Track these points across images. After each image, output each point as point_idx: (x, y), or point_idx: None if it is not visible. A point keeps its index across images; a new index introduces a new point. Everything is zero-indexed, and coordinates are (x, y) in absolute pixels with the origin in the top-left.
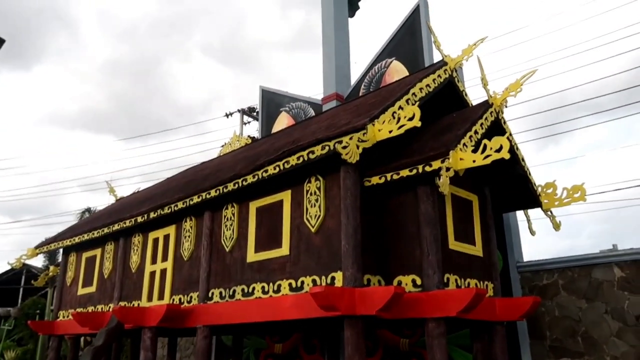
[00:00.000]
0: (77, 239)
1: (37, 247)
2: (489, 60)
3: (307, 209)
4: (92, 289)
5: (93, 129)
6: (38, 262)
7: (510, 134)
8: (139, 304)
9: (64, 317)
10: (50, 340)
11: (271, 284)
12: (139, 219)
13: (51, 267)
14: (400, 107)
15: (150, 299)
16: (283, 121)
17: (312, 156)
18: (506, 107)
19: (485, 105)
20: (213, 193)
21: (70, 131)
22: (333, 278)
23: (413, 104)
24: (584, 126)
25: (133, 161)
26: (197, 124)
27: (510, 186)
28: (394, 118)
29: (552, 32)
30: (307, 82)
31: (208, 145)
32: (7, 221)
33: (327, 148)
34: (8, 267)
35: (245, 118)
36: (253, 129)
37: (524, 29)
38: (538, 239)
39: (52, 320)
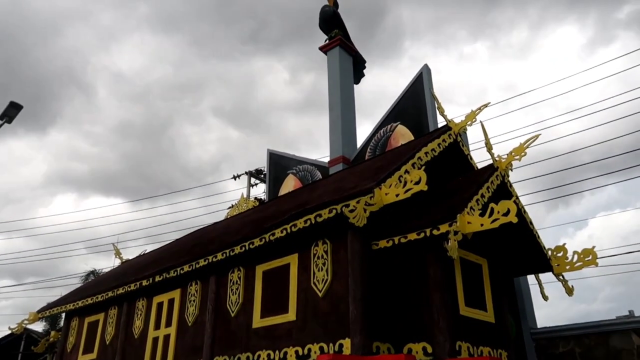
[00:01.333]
0: (80, 303)
1: (39, 312)
2: (494, 123)
3: (314, 273)
4: (92, 355)
5: (102, 190)
6: (39, 326)
7: (517, 197)
8: None
9: None
10: None
11: (277, 352)
12: (144, 283)
13: (52, 333)
14: (407, 171)
15: None
16: (290, 183)
17: (319, 219)
18: (511, 170)
19: (491, 169)
20: (219, 256)
21: (79, 193)
22: (341, 345)
23: (419, 168)
24: (594, 187)
25: (141, 223)
26: (205, 186)
27: (519, 250)
28: (400, 182)
29: (560, 94)
30: (316, 143)
31: (216, 207)
32: (10, 284)
33: (334, 211)
34: (8, 332)
35: (253, 180)
36: (260, 190)
37: (531, 92)
38: (551, 304)
39: None
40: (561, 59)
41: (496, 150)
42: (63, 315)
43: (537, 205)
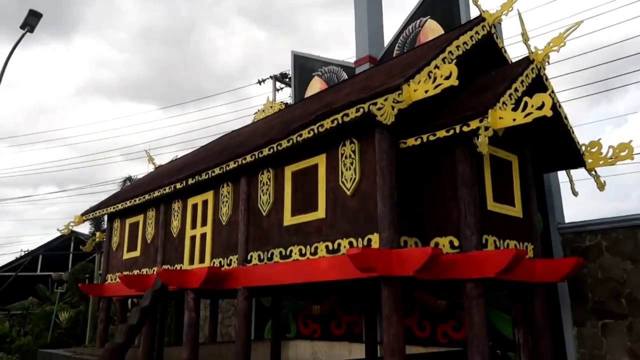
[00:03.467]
0: (120, 206)
1: (83, 215)
2: (532, 15)
3: (342, 173)
4: (136, 253)
5: (133, 97)
6: (85, 229)
7: (553, 91)
8: (181, 267)
9: (111, 280)
10: (100, 302)
11: (308, 247)
12: (178, 186)
13: (97, 234)
14: (437, 66)
15: (191, 262)
16: (316, 86)
17: (346, 119)
18: (548, 63)
19: (526, 62)
20: (249, 158)
21: (110, 100)
22: (370, 240)
23: (450, 63)
24: (638, 81)
25: (172, 130)
26: (233, 91)
27: (551, 146)
28: (430, 77)
29: None
30: (346, 42)
31: (244, 112)
32: (54, 190)
33: (361, 110)
34: (58, 234)
35: (279, 85)
36: (286, 95)
37: None
38: (583, 202)
39: (101, 284)
40: None
41: (534, 43)
42: (105, 217)
43: (577, 102)
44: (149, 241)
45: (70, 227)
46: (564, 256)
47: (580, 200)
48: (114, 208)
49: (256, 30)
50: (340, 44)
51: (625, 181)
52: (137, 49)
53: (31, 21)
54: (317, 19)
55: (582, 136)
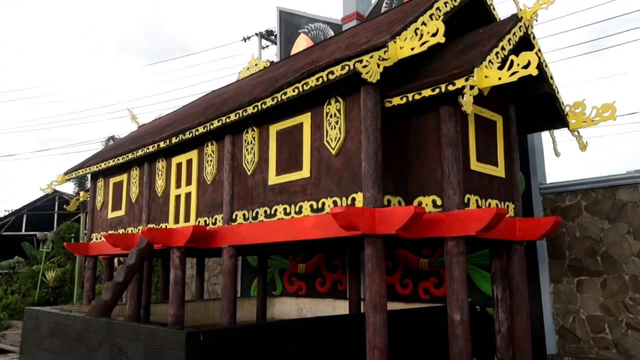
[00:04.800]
0: (103, 165)
1: (65, 173)
2: None
3: (327, 131)
4: (121, 212)
5: (116, 51)
6: (69, 188)
7: (539, 50)
8: (166, 226)
9: (97, 239)
10: (86, 260)
11: (293, 206)
12: (162, 145)
13: (81, 193)
14: (424, 23)
15: (177, 221)
16: (302, 43)
17: (331, 77)
18: (536, 21)
19: (514, 20)
20: (233, 117)
21: (92, 53)
22: (353, 199)
23: (437, 19)
24: (630, 40)
25: (157, 87)
26: (222, 47)
27: (536, 106)
28: (416, 35)
29: None
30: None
31: (231, 70)
32: (37, 149)
33: (346, 68)
34: (42, 194)
35: (264, 42)
36: (272, 53)
37: None
38: (569, 163)
39: (87, 243)
40: None
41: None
42: (89, 177)
43: (567, 61)
44: (133, 200)
45: (53, 187)
46: (544, 215)
47: (569, 161)
48: (97, 167)
49: None
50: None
51: (613, 141)
52: (122, 3)
53: None
54: None
55: (574, 95)
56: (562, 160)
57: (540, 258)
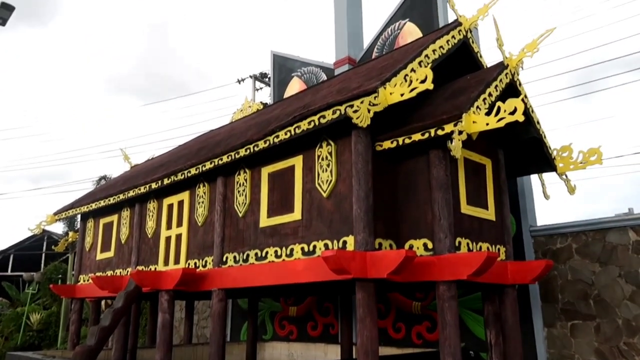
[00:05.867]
0: (93, 205)
1: (55, 214)
2: (510, 21)
3: (318, 174)
4: (110, 254)
5: (113, 90)
6: (58, 228)
7: (526, 96)
8: (155, 268)
9: (84, 281)
10: (72, 303)
11: (284, 248)
12: (153, 185)
13: (70, 233)
14: (413, 70)
15: (166, 263)
16: (295, 86)
17: (323, 121)
18: (522, 68)
19: (500, 67)
20: (225, 159)
21: (89, 92)
22: (345, 242)
23: (426, 66)
24: (618, 84)
25: (153, 126)
26: (217, 88)
27: (524, 150)
28: (405, 81)
29: None
30: (329, 40)
31: (226, 111)
32: (29, 188)
33: (338, 112)
34: (30, 234)
35: (258, 84)
36: (265, 94)
37: None
38: (558, 204)
39: (74, 284)
40: None
41: (514, 46)
42: (79, 217)
43: (557, 104)
44: (123, 241)
45: (42, 227)
46: (536, 258)
47: (559, 203)
48: (87, 207)
49: (240, 24)
50: (326, 41)
51: (603, 183)
52: (117, 40)
53: (3, 14)
54: (303, 14)
55: (561, 139)
56: (552, 201)
57: (533, 301)
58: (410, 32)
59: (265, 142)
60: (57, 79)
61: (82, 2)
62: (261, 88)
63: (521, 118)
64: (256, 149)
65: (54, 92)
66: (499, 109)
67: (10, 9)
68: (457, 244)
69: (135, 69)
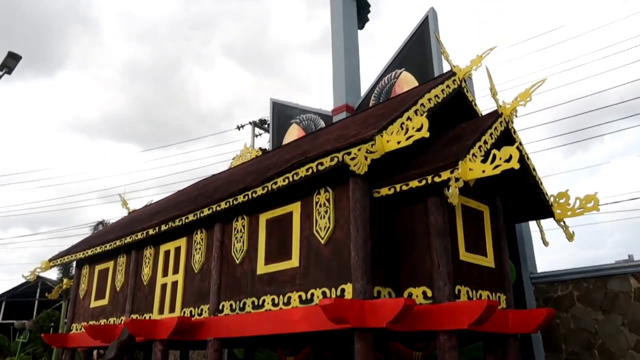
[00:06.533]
0: (89, 252)
1: (50, 260)
2: (507, 69)
3: (316, 221)
4: (104, 301)
5: (114, 137)
6: (53, 274)
7: (520, 144)
8: (150, 317)
9: (77, 330)
10: (63, 353)
11: (281, 296)
12: (151, 232)
13: (65, 280)
14: (409, 118)
15: (161, 311)
16: (294, 133)
17: (320, 168)
18: (516, 116)
19: (495, 115)
20: (223, 205)
21: (91, 140)
22: (343, 290)
23: (421, 115)
24: (614, 131)
25: (152, 172)
26: (217, 134)
27: (521, 196)
28: (402, 129)
29: (573, 39)
30: (329, 86)
31: (225, 157)
32: (25, 233)
33: (335, 159)
34: (24, 280)
35: (257, 130)
36: (265, 140)
37: (557, 31)
38: (558, 250)
39: (66, 333)
40: None
41: (510, 92)
42: (74, 263)
43: (554, 151)
44: (118, 289)
45: (37, 273)
46: (537, 306)
47: (558, 248)
48: (83, 254)
49: (241, 72)
50: (325, 87)
51: (602, 229)
52: (121, 86)
53: (9, 63)
54: (302, 62)
55: (559, 184)
56: (551, 247)
57: (536, 351)
58: (407, 80)
59: (263, 189)
60: (59, 124)
61: (91, 52)
62: (260, 134)
63: (517, 165)
64: (254, 195)
65: (56, 139)
66: (494, 156)
67: (17, 58)
68: (456, 292)
69: (137, 115)
